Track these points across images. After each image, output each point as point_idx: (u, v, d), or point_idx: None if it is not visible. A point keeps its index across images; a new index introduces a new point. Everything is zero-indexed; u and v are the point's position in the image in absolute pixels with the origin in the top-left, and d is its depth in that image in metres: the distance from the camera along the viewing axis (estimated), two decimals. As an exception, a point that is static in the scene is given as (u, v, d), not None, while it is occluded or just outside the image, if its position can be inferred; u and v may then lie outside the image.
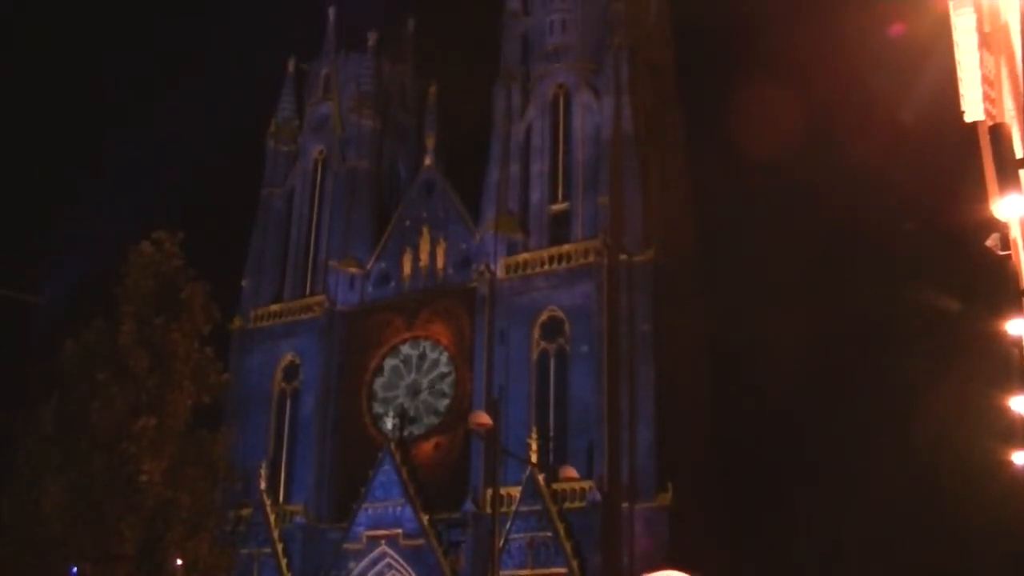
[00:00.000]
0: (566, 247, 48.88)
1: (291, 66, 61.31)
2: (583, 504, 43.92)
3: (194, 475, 28.73)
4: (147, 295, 29.52)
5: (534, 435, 44.46)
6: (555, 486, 43.83)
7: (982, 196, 13.25)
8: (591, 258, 47.47)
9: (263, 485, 49.86)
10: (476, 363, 48.78)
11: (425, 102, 58.13)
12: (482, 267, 50.01)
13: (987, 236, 13.50)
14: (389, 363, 52.58)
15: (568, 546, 43.13)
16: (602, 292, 46.63)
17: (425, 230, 53.57)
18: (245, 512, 48.95)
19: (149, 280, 29.71)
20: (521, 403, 47.27)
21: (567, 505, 44.15)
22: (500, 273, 49.69)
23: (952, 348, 39.70)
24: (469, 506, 45.91)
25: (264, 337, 55.67)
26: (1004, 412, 18.75)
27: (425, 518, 46.51)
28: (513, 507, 43.92)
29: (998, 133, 10.64)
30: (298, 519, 50.31)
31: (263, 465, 50.50)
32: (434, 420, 50.36)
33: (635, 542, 43.27)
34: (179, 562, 27.90)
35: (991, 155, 11.18)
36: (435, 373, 51.39)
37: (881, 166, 45.97)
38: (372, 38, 58.74)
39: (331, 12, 60.50)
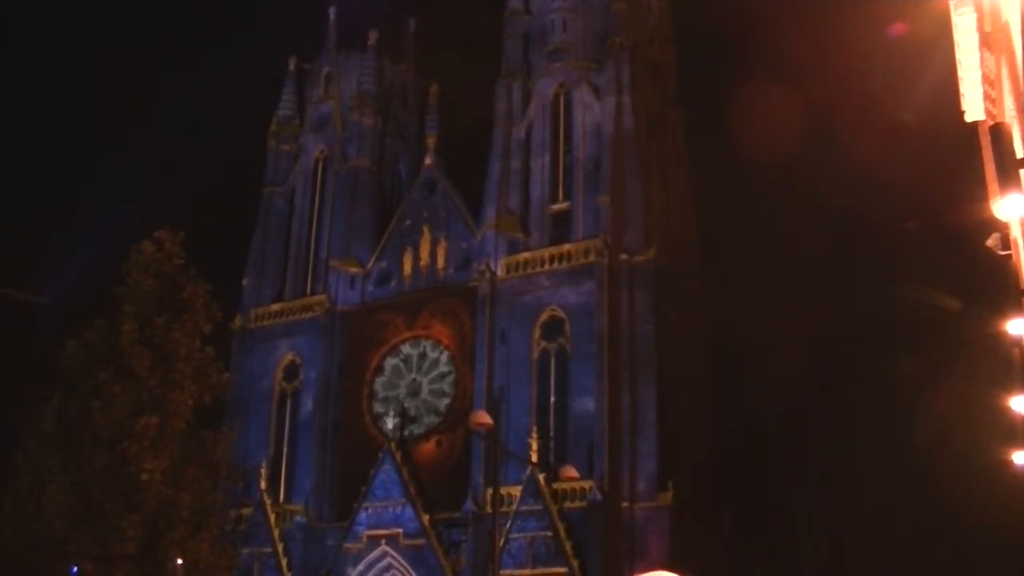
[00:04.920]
0: (567, 246, 48.88)
1: (292, 65, 61.31)
2: (584, 504, 43.91)
3: (195, 474, 28.69)
4: (148, 294, 29.49)
5: (535, 435, 44.46)
6: (556, 486, 43.82)
7: (982, 196, 13.27)
8: (592, 257, 47.47)
9: (264, 485, 49.86)
10: (477, 363, 48.78)
11: (426, 101, 58.20)
12: (483, 266, 50.01)
13: (987, 236, 13.53)
14: (390, 363, 52.59)
15: (569, 546, 43.12)
16: (603, 291, 46.63)
17: (426, 229, 53.59)
18: (246, 512, 48.94)
19: (150, 279, 29.69)
20: (522, 403, 47.28)
21: (568, 505, 44.14)
22: (501, 272, 49.70)
23: (952, 348, 39.72)
24: (470, 506, 45.91)
25: (265, 337, 55.68)
26: (1004, 412, 18.76)
27: (426, 518, 46.50)
28: (514, 507, 43.92)
29: (998, 133, 10.67)
30: (298, 519, 50.30)
31: (264, 465, 50.51)
32: (435, 420, 50.37)
33: (636, 542, 43.26)
34: (180, 561, 27.90)
35: (991, 155, 11.20)
36: (435, 373, 51.40)
37: (881, 166, 46.01)
38: (373, 37, 58.72)
39: (332, 11, 60.50)
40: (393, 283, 54.01)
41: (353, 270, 54.65)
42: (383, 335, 52.82)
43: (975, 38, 13.02)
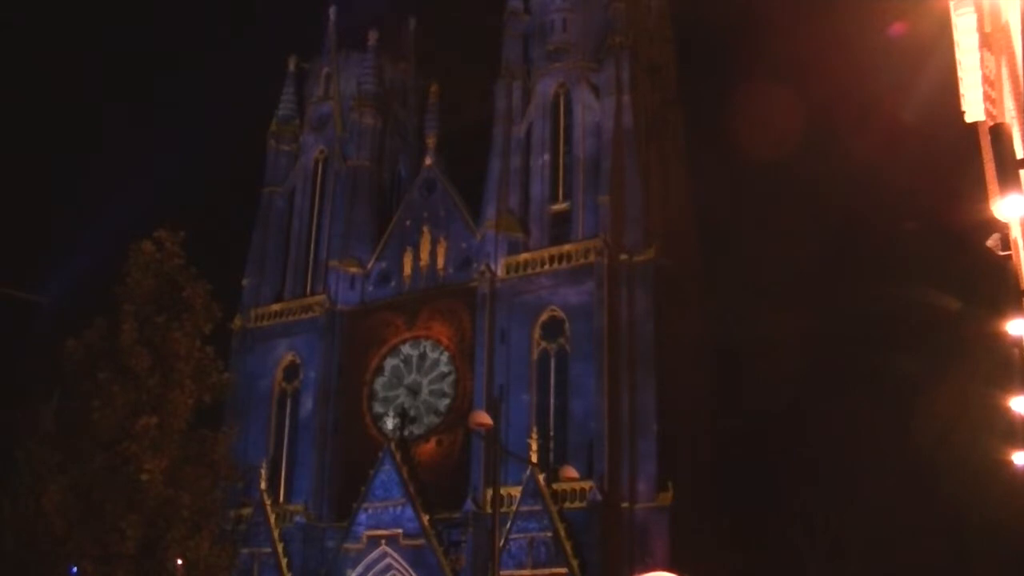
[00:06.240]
0: (567, 246, 48.88)
1: (292, 64, 61.34)
2: (583, 504, 43.92)
3: (195, 474, 28.70)
4: (148, 294, 29.52)
5: (534, 435, 44.44)
6: (555, 486, 43.80)
7: (982, 196, 13.28)
8: (592, 257, 47.47)
9: (263, 485, 49.82)
10: (477, 363, 48.79)
11: (426, 101, 58.20)
12: (483, 266, 50.02)
13: (987, 236, 13.54)
14: (389, 363, 52.59)
15: (568, 546, 43.09)
16: (603, 291, 46.64)
17: (426, 229, 53.60)
18: (245, 512, 48.93)
19: (150, 279, 29.70)
20: (521, 403, 47.28)
21: (567, 505, 44.13)
22: (501, 272, 49.70)
23: (952, 348, 39.69)
24: (469, 506, 45.91)
25: (265, 337, 55.71)
26: (1004, 412, 18.77)
27: (425, 518, 46.48)
28: (513, 507, 43.88)
29: (998, 133, 10.66)
30: (298, 519, 50.30)
31: (263, 465, 50.47)
32: (435, 420, 50.38)
33: (636, 542, 43.25)
34: (180, 561, 27.89)
35: (991, 155, 11.20)
36: (435, 373, 51.39)
37: (881, 166, 46.00)
38: (373, 37, 58.74)
39: (332, 11, 60.56)
40: (393, 283, 54.02)
41: (353, 270, 54.66)
42: (383, 335, 52.83)
43: (975, 38, 13.02)
